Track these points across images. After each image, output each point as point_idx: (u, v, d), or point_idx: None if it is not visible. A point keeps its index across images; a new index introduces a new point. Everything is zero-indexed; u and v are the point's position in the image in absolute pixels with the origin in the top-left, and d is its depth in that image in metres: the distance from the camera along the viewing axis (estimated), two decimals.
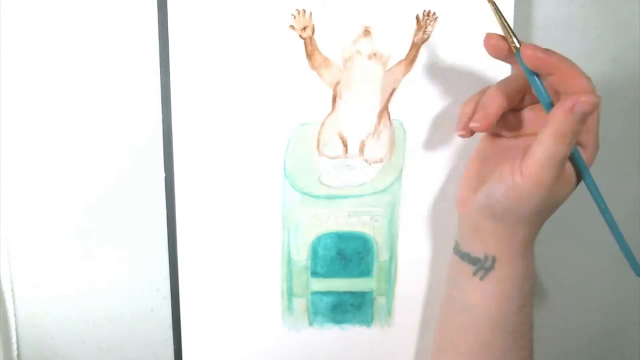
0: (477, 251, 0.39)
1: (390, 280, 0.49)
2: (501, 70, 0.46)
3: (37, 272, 0.49)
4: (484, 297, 0.39)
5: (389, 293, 0.50)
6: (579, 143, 0.37)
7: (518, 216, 0.37)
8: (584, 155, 0.37)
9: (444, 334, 0.43)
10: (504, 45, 0.36)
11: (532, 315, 0.40)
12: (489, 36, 0.36)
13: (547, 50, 0.35)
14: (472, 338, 0.40)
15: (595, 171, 0.51)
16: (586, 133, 0.36)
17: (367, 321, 0.50)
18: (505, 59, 0.36)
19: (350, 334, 0.50)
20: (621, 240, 0.36)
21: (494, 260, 0.39)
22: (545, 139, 0.34)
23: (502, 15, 0.36)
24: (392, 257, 0.49)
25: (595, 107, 0.33)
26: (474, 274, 0.39)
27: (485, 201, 0.38)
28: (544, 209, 0.37)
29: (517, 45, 0.35)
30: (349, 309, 0.50)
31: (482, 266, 0.39)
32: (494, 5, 0.36)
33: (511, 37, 0.35)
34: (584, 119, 0.33)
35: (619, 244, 0.37)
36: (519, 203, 0.36)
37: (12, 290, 0.49)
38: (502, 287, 0.39)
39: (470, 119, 0.38)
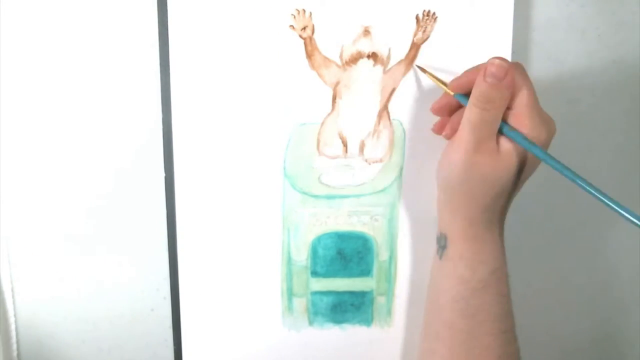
0: (439, 229, 0.41)
1: (390, 280, 0.49)
2: None
3: (37, 272, 0.49)
4: (442, 276, 0.41)
5: (389, 293, 0.50)
6: (518, 120, 0.37)
7: (452, 186, 0.38)
8: (536, 136, 0.36)
9: (424, 316, 0.44)
10: (444, 101, 0.41)
11: (504, 304, 0.40)
12: (432, 108, 0.42)
13: (464, 73, 0.38)
14: (438, 318, 0.41)
15: (595, 171, 0.52)
16: (521, 106, 0.36)
17: (367, 321, 0.50)
18: (451, 108, 0.40)
19: (350, 334, 0.50)
20: (606, 197, 0.35)
21: (445, 238, 0.40)
22: (467, 106, 0.37)
23: (431, 73, 0.42)
24: (392, 257, 0.49)
25: (502, 70, 0.35)
26: (436, 252, 0.41)
27: (436, 174, 0.40)
28: (472, 180, 0.37)
29: (447, 89, 0.40)
30: (349, 308, 0.50)
31: (440, 244, 0.41)
32: (421, 68, 0.43)
33: (443, 85, 0.41)
34: (494, 83, 0.35)
35: (608, 203, 0.35)
36: (448, 169, 0.38)
37: (12, 290, 0.49)
38: (455, 267, 0.40)
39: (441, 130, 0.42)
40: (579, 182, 0.35)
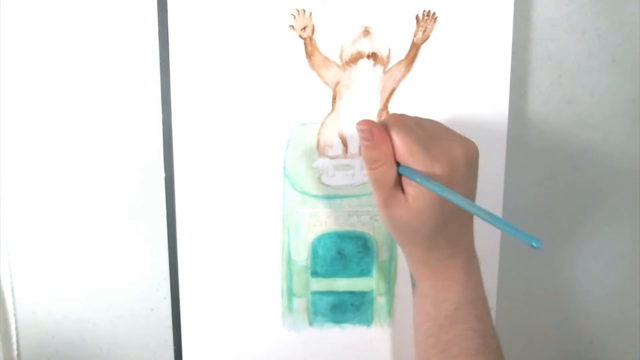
0: (409, 269, 0.42)
1: (390, 280, 0.49)
2: (500, 71, 0.46)
3: (37, 272, 0.49)
4: (416, 313, 0.42)
5: (389, 293, 0.50)
6: (408, 165, 0.37)
7: (392, 235, 0.40)
8: (432, 173, 0.36)
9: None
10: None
11: (476, 339, 0.39)
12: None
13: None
14: (417, 354, 0.42)
15: (595, 171, 0.52)
16: (402, 156, 0.36)
17: (367, 321, 0.50)
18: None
19: (350, 334, 0.50)
20: (502, 222, 0.34)
21: (413, 276, 0.41)
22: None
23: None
24: (392, 257, 0.49)
25: (366, 132, 0.37)
26: (412, 290, 0.42)
27: None
28: (399, 230, 0.38)
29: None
30: (349, 308, 0.50)
31: (412, 282, 0.42)
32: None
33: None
34: (367, 145, 0.37)
35: (502, 227, 0.34)
36: (382, 222, 0.40)
37: (12, 290, 0.49)
38: (423, 304, 0.40)
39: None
40: (481, 214, 0.34)
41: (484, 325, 0.40)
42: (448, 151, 0.36)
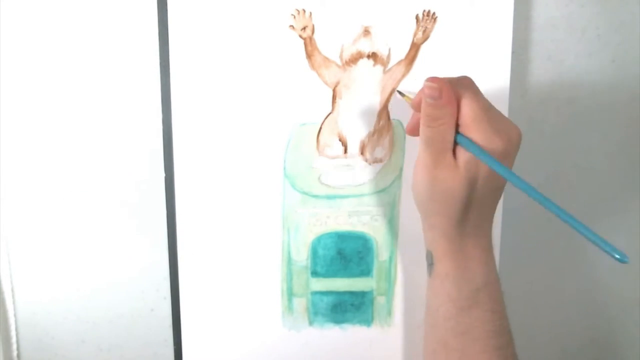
0: (425, 246, 0.41)
1: (390, 280, 0.49)
2: (500, 71, 0.46)
3: (37, 272, 0.49)
4: (433, 294, 0.40)
5: (389, 293, 0.50)
6: (468, 132, 0.37)
7: (423, 203, 0.39)
8: (489, 146, 0.36)
9: (424, 332, 0.43)
10: (415, 119, 0.40)
11: (496, 321, 0.39)
12: (406, 129, 0.42)
13: (418, 93, 0.39)
14: (433, 336, 0.41)
15: (595, 171, 0.52)
16: (467, 119, 0.36)
17: (367, 321, 0.50)
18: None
19: (350, 334, 0.50)
20: (586, 230, 0.35)
21: (431, 256, 0.40)
22: (420, 126, 0.38)
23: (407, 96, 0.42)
24: (392, 257, 0.49)
25: (434, 90, 0.36)
26: (427, 270, 0.41)
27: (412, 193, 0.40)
28: (437, 195, 0.37)
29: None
30: (349, 308, 0.50)
31: (428, 262, 0.40)
32: (400, 93, 0.43)
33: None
34: (432, 103, 0.36)
35: (587, 235, 0.34)
36: (416, 188, 0.39)
37: (12, 290, 0.49)
38: (442, 284, 0.39)
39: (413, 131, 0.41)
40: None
41: (501, 306, 0.39)
42: (508, 129, 0.37)
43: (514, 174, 0.35)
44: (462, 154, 0.36)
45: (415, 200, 0.40)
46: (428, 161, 0.37)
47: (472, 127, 0.36)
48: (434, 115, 0.37)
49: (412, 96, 0.41)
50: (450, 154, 0.37)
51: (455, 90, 0.37)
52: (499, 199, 0.40)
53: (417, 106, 0.39)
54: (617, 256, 0.31)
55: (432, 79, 0.37)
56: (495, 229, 0.49)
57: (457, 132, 0.37)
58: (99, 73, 0.45)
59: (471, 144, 0.36)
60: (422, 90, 0.37)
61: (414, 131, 0.40)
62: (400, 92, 0.43)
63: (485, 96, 0.38)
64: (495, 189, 0.38)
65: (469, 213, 0.38)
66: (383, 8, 0.44)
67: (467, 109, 0.36)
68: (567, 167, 0.51)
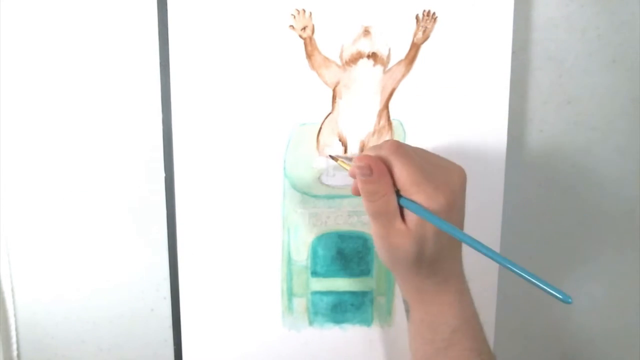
0: (402, 294, 0.41)
1: (390, 280, 0.49)
2: (500, 71, 0.46)
3: (37, 272, 0.49)
4: (411, 337, 0.41)
5: (389, 293, 0.50)
6: (409, 196, 0.37)
7: (389, 266, 0.39)
8: (432, 204, 0.36)
9: None
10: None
11: (477, 358, 0.39)
12: (352, 191, 0.41)
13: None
14: None
15: (596, 171, 0.52)
16: (403, 184, 0.36)
17: (367, 321, 0.50)
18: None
19: (350, 333, 0.50)
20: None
21: (407, 303, 0.41)
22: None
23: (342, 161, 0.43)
24: None
25: (364, 168, 0.37)
26: (406, 315, 0.42)
27: None
28: (398, 259, 0.38)
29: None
30: (349, 308, 0.50)
31: (405, 308, 0.41)
32: (334, 157, 0.44)
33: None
34: (365, 180, 0.37)
35: (530, 279, 0.35)
36: (379, 253, 0.39)
37: (12, 290, 0.49)
38: (418, 329, 0.40)
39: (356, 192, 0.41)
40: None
41: (479, 344, 0.40)
42: (447, 179, 0.37)
43: (457, 229, 0.35)
44: (411, 215, 0.37)
45: (382, 261, 0.40)
46: (381, 232, 0.38)
47: (412, 190, 0.36)
48: (372, 190, 0.37)
49: (346, 161, 0.42)
50: (398, 220, 0.37)
51: (385, 159, 0.37)
52: (460, 244, 0.39)
53: (353, 175, 0.39)
54: (560, 297, 0.32)
55: (360, 158, 0.37)
56: (496, 229, 0.49)
57: (400, 195, 0.37)
58: (99, 73, 0.45)
59: (414, 206, 0.36)
60: (353, 169, 0.38)
61: (358, 192, 0.40)
62: (332, 157, 0.44)
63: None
64: (451, 238, 0.37)
65: (434, 266, 0.38)
66: (383, 8, 0.44)
67: (402, 174, 0.36)
68: (567, 167, 0.51)
